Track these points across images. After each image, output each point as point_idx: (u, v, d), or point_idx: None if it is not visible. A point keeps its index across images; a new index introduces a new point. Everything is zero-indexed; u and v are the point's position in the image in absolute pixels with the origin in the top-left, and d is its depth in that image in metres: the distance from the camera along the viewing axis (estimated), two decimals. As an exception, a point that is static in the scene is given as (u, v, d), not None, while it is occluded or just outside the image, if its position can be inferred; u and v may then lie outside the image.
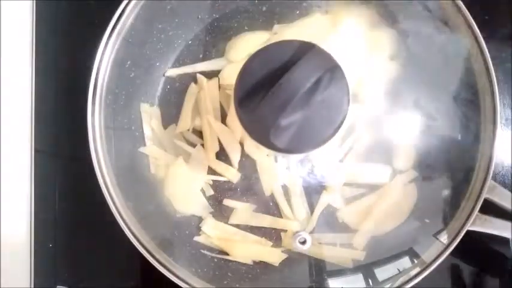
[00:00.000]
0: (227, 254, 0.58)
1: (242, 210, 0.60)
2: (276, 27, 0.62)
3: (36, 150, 0.64)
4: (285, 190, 0.59)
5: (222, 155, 0.60)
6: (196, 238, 0.59)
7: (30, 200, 0.63)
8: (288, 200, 0.59)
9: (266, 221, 0.59)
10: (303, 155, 0.60)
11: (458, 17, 0.52)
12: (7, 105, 0.65)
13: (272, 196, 0.60)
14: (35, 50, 0.65)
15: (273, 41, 0.61)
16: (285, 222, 0.59)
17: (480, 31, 0.52)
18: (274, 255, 0.58)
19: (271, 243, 0.59)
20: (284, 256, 0.58)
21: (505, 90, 0.60)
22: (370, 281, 0.55)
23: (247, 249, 0.59)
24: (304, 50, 0.55)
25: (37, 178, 0.64)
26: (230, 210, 0.60)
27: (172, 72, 0.62)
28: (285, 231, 0.59)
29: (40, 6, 0.66)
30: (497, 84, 0.51)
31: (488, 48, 0.52)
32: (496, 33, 0.61)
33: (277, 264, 0.58)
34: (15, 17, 0.66)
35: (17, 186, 0.64)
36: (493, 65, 0.52)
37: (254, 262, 0.59)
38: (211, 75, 0.61)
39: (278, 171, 0.59)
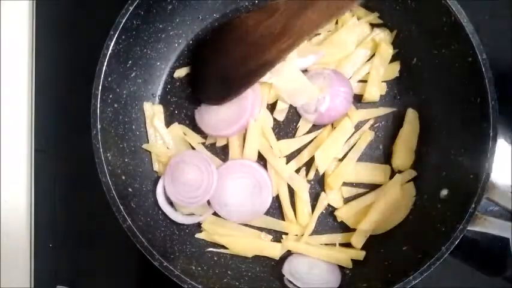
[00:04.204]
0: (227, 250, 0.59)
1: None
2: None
3: (36, 150, 0.64)
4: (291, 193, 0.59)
5: (222, 153, 0.61)
6: (197, 235, 0.59)
7: (30, 199, 0.63)
8: (293, 204, 0.59)
9: (268, 222, 0.59)
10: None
11: (454, 18, 0.53)
12: (7, 105, 0.65)
13: (276, 197, 0.59)
14: (35, 50, 0.65)
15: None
16: (287, 226, 0.59)
17: (477, 32, 0.52)
18: (274, 249, 0.58)
19: (271, 237, 0.59)
20: (284, 250, 0.58)
21: (506, 90, 0.60)
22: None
23: (247, 244, 0.58)
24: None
25: (37, 178, 0.64)
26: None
27: (180, 72, 0.62)
28: (286, 234, 0.59)
29: (40, 6, 0.66)
30: (496, 86, 0.51)
31: (485, 49, 0.52)
32: (494, 34, 0.61)
33: (277, 258, 0.58)
34: (15, 17, 0.66)
35: (17, 186, 0.64)
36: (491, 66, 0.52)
37: (254, 260, 0.59)
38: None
39: (287, 173, 0.58)
